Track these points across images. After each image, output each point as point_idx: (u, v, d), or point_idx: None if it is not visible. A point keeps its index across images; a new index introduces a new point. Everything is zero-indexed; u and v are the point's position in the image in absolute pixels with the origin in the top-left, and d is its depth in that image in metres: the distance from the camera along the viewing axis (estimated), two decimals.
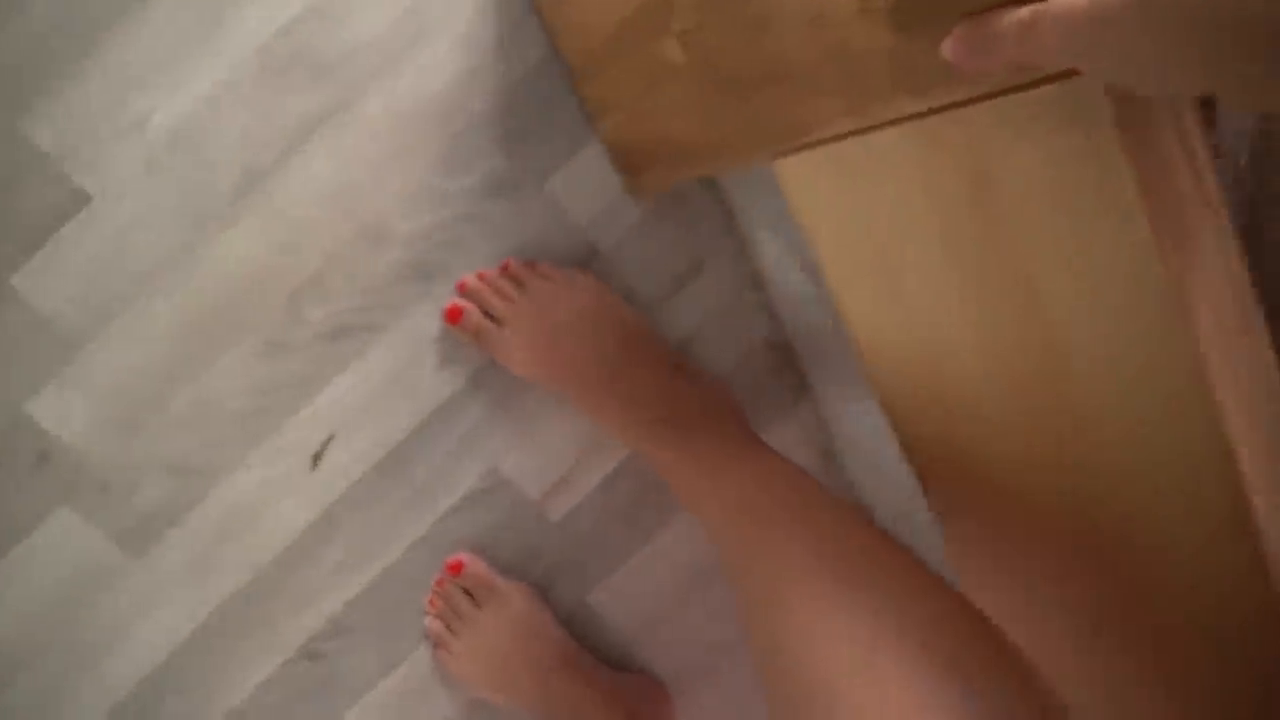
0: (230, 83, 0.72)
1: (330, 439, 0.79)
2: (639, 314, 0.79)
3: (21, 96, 0.69)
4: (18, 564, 0.76)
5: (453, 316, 0.76)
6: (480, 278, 0.76)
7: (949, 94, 0.37)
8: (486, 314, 0.76)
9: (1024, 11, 0.29)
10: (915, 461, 0.60)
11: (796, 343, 0.83)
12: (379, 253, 0.76)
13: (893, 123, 0.42)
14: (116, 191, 0.72)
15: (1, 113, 0.68)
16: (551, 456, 0.82)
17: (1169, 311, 0.35)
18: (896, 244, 0.48)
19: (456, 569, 0.80)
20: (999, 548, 0.59)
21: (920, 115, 0.40)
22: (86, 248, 0.72)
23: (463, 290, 0.77)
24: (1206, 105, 0.27)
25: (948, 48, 0.32)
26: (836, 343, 0.77)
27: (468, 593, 0.80)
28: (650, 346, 0.77)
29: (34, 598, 0.77)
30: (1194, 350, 0.36)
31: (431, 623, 0.82)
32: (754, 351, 0.84)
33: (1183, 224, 0.35)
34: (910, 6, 0.35)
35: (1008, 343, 0.45)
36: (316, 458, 0.79)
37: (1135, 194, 0.33)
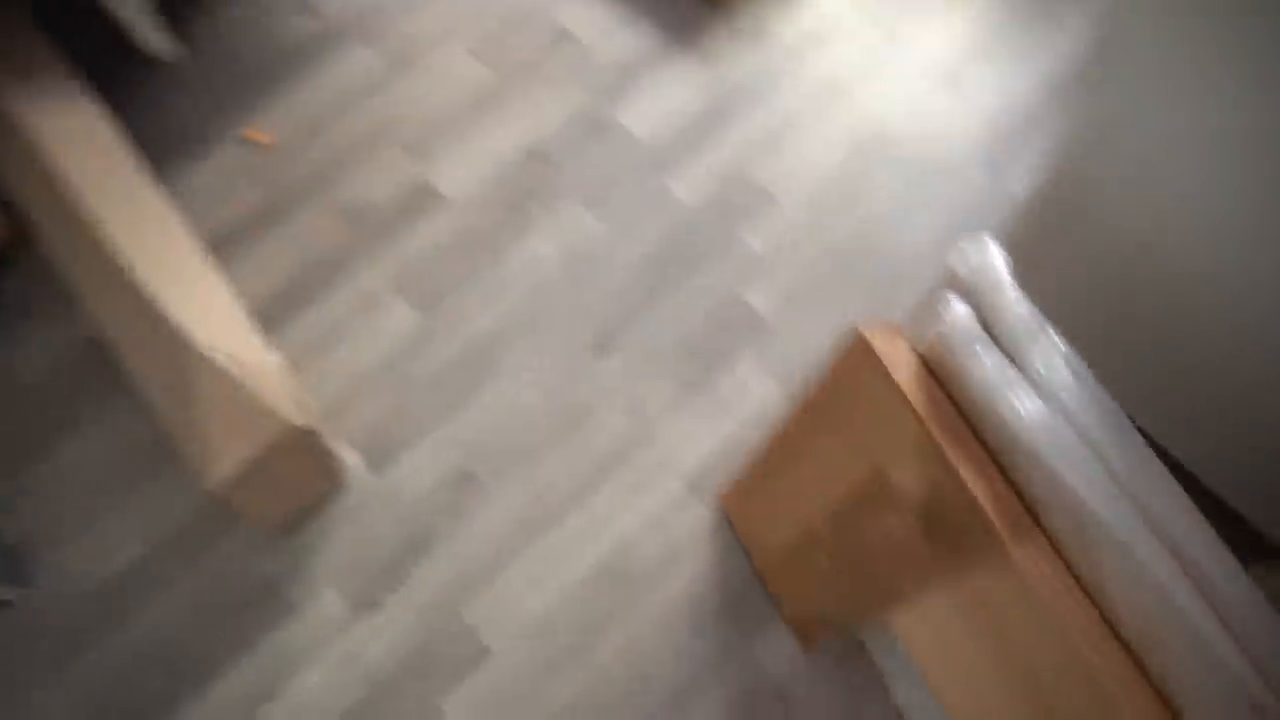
0: (540, 574, 1.26)
1: None
2: None
3: (468, 590, 1.26)
4: None
5: None
6: None
7: (965, 575, 0.82)
8: None
9: None
10: None
11: None
12: None
13: (937, 586, 0.87)
14: (501, 645, 1.24)
15: (451, 601, 1.26)
16: None
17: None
18: (966, 652, 0.89)
19: None
20: None
21: (949, 582, 0.84)
22: (492, 685, 1.22)
23: None
24: None
25: None
26: None
27: None
28: None
29: None
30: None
31: None
32: None
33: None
34: (929, 528, 0.82)
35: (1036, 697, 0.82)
36: None
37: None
